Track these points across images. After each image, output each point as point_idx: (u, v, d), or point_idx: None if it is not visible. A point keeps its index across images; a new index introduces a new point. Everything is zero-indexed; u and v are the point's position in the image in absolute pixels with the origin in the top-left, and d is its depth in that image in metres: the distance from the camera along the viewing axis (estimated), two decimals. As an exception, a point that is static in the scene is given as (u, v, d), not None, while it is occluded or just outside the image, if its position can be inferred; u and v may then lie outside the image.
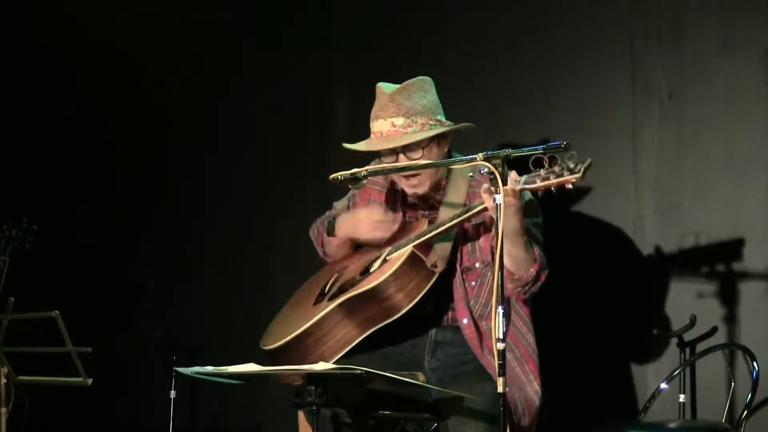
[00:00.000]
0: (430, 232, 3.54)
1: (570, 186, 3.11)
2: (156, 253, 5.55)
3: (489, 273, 3.57)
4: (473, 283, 3.59)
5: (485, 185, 3.26)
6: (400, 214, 3.72)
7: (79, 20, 5.71)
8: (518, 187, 3.19)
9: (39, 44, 5.82)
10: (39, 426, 5.24)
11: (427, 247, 3.56)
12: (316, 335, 3.61)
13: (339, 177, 3.39)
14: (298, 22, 5.17)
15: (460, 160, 3.26)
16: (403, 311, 3.51)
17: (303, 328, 3.61)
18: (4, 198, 5.56)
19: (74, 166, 5.75)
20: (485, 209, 3.36)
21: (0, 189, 5.64)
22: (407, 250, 3.53)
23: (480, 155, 3.10)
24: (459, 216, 3.49)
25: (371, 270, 3.64)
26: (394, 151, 3.57)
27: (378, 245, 3.74)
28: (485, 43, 4.62)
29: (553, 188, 3.12)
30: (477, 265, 3.59)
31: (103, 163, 5.71)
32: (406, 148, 3.56)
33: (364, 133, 3.67)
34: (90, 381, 3.86)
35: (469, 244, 3.61)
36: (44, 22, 5.82)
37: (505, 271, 3.44)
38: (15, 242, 5.03)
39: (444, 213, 3.60)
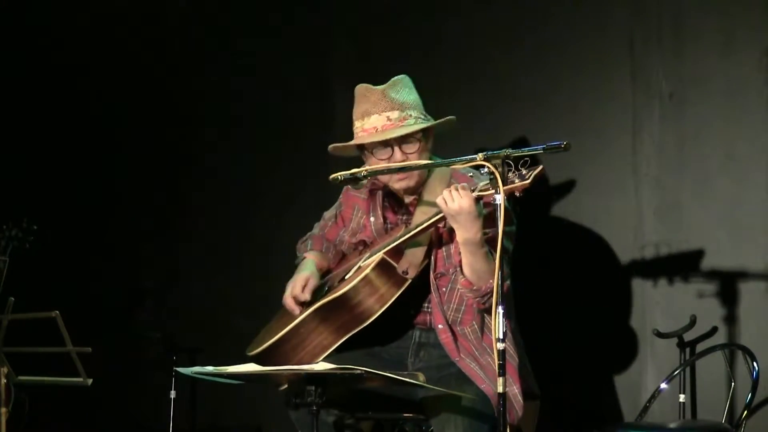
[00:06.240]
0: (400, 238, 3.53)
1: (518, 194, 3.14)
2: (156, 253, 5.55)
3: (458, 277, 3.56)
4: (444, 288, 3.57)
5: (440, 196, 3.29)
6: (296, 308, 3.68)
7: (79, 20, 5.72)
8: (474, 194, 3.23)
9: (40, 44, 5.83)
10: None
11: (398, 253, 3.55)
12: (293, 342, 3.61)
13: (339, 177, 3.39)
14: (299, 22, 5.17)
15: (460, 160, 3.26)
16: (375, 316, 3.51)
17: (280, 335, 3.62)
18: (4, 198, 5.56)
19: (74, 166, 5.75)
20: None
21: (0, 189, 5.65)
22: (378, 256, 3.53)
23: (480, 155, 3.11)
24: (426, 222, 3.47)
25: (346, 277, 3.65)
26: (389, 145, 3.57)
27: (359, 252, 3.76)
28: (485, 43, 4.62)
29: (504, 194, 3.13)
30: (450, 270, 3.56)
31: (103, 163, 5.71)
32: (403, 141, 3.55)
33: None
34: (90, 381, 3.86)
35: (443, 249, 3.57)
36: (45, 22, 5.82)
37: (463, 280, 3.44)
38: (15, 242, 5.03)
39: (418, 216, 3.58)
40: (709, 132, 4.11)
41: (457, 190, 3.28)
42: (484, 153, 3.10)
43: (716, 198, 4.09)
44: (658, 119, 4.20)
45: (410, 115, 3.55)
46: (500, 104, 4.56)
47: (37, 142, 5.81)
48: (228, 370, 3.19)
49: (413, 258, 3.55)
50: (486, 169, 3.10)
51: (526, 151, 3.10)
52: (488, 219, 3.31)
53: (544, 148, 3.08)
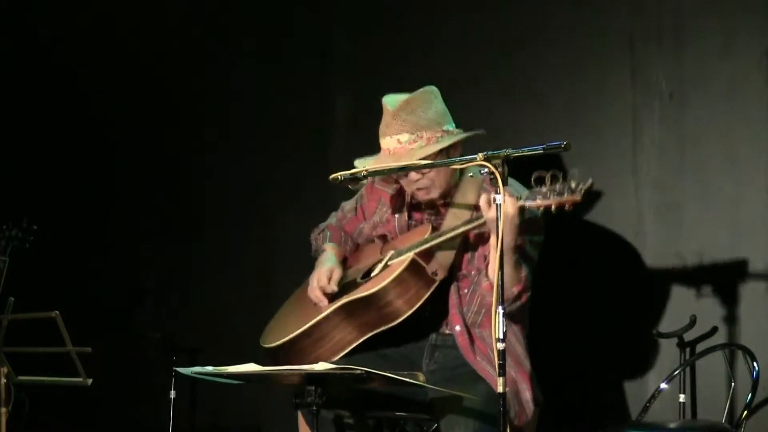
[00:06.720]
0: (433, 239, 3.53)
1: (568, 207, 3.12)
2: (156, 253, 5.55)
3: (481, 280, 3.56)
4: (465, 290, 3.58)
5: (485, 195, 3.27)
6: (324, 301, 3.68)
7: (79, 20, 5.72)
8: (519, 203, 3.20)
9: (40, 44, 5.83)
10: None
11: (428, 254, 3.55)
12: (314, 336, 3.61)
13: (339, 177, 3.38)
14: (299, 22, 5.17)
15: (460, 161, 3.25)
16: (402, 318, 3.52)
17: (301, 330, 3.61)
18: (4, 198, 5.56)
19: (74, 166, 5.75)
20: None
21: (0, 189, 5.65)
22: (408, 256, 3.52)
23: (480, 155, 3.10)
24: (462, 226, 3.48)
25: (372, 274, 3.64)
26: (402, 167, 3.56)
27: (379, 247, 3.75)
28: (485, 43, 4.62)
29: (552, 207, 3.13)
30: (473, 272, 3.57)
31: (103, 163, 5.71)
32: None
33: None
34: (90, 381, 3.86)
35: (469, 252, 3.59)
36: (45, 22, 5.82)
37: (486, 283, 3.44)
38: (15, 242, 5.03)
39: (450, 220, 3.58)
40: (709, 132, 4.11)
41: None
42: (485, 153, 3.10)
43: (716, 198, 4.09)
44: (658, 120, 4.20)
45: (421, 137, 3.55)
46: (500, 104, 4.55)
47: (37, 142, 5.81)
48: (228, 370, 3.19)
49: (443, 260, 3.55)
50: (486, 168, 3.09)
51: (526, 151, 3.09)
52: (522, 227, 3.30)
53: (544, 148, 3.07)
